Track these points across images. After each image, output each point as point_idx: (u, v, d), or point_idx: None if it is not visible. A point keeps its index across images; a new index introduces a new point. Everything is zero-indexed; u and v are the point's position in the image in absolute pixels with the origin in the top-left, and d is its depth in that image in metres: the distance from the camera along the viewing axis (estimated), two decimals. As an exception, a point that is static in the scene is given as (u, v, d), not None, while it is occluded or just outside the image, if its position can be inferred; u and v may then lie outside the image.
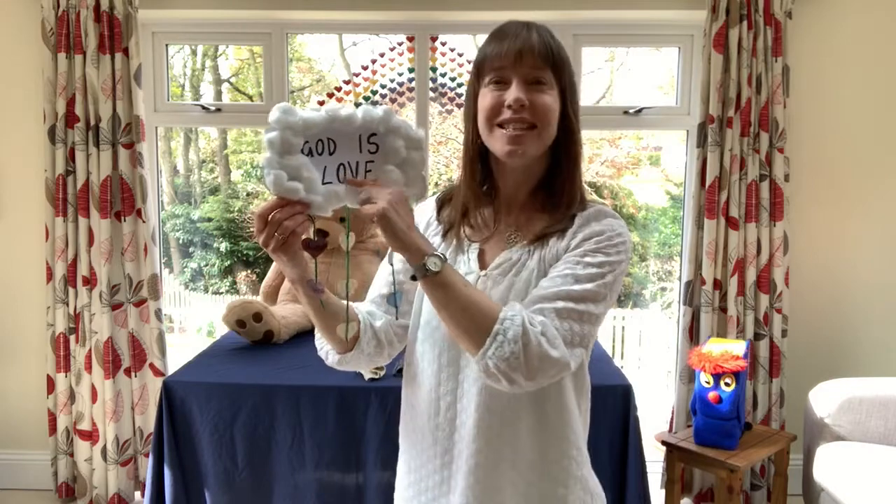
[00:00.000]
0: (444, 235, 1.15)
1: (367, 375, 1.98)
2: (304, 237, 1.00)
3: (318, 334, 1.15)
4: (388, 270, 1.19)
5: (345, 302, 1.07)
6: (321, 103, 3.10)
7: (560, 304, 0.98)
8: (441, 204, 1.20)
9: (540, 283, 1.03)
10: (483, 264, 1.11)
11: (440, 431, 1.11)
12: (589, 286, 1.00)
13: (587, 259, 1.02)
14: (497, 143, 1.05)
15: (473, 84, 1.09)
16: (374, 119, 0.98)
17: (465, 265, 1.11)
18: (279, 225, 0.94)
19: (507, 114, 1.03)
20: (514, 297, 1.04)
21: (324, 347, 1.16)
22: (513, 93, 1.02)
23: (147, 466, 2.02)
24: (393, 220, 0.94)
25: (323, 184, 0.96)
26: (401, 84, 2.95)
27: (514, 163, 1.07)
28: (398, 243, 0.95)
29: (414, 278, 0.97)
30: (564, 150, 1.09)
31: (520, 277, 1.06)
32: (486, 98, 1.05)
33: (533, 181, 1.12)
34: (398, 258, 1.13)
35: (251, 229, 8.17)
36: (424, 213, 1.21)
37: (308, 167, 0.95)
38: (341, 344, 1.12)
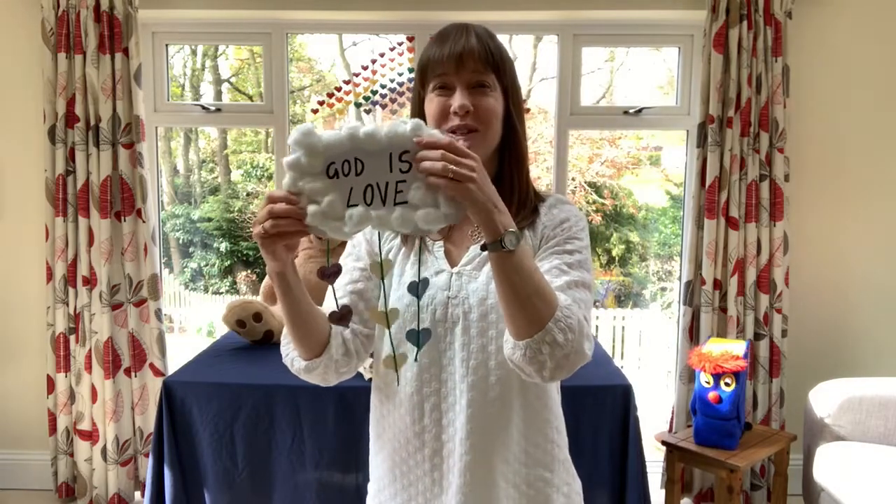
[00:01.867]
0: (405, 239, 1.14)
1: (367, 375, 1.98)
2: (320, 267, 0.97)
3: (284, 340, 1.11)
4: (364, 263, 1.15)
5: (320, 309, 1.07)
6: (321, 103, 3.11)
7: (573, 299, 0.99)
8: None
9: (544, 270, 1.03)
10: (452, 262, 1.12)
11: (427, 434, 1.10)
12: (579, 273, 1.04)
13: (567, 247, 1.06)
14: None
15: (418, 89, 1.11)
16: (403, 136, 0.88)
17: (435, 263, 1.12)
18: (275, 218, 0.90)
19: (454, 120, 1.04)
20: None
21: (289, 354, 1.11)
22: (457, 99, 1.04)
23: (147, 466, 2.02)
24: (478, 189, 0.87)
25: (348, 206, 0.90)
26: (401, 84, 2.95)
27: None
28: (481, 212, 0.88)
29: (484, 248, 0.92)
30: (509, 148, 1.11)
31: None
32: (432, 104, 1.07)
33: None
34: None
35: (251, 229, 8.20)
36: None
37: (330, 190, 0.90)
38: (308, 350, 1.08)
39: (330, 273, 0.96)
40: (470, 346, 1.07)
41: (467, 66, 1.04)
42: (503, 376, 1.07)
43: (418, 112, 1.11)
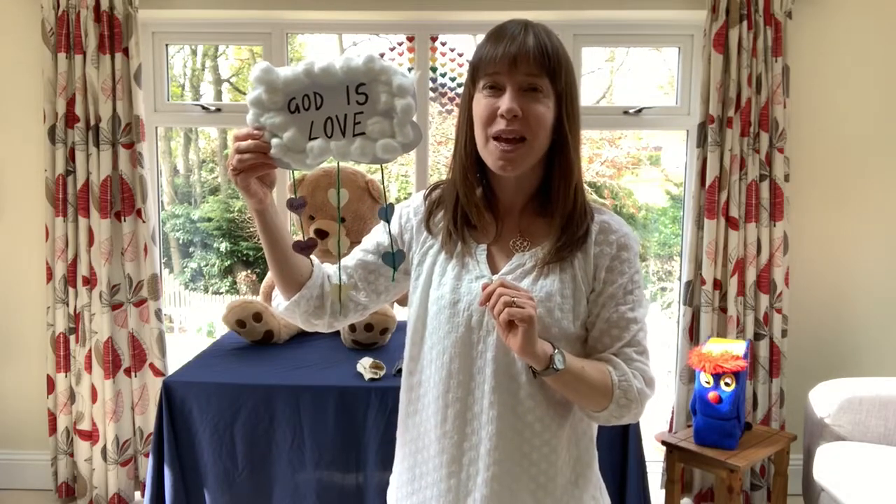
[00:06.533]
0: (446, 241, 1.12)
1: (367, 375, 1.98)
2: (295, 239, 1.02)
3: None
4: (385, 230, 1.17)
5: (305, 259, 1.12)
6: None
7: (635, 350, 1.09)
8: (431, 206, 1.17)
9: (604, 322, 1.08)
10: (494, 268, 1.10)
11: (447, 439, 1.08)
12: (640, 312, 1.11)
13: (630, 297, 1.09)
14: (490, 156, 1.04)
15: (469, 87, 1.08)
16: (357, 70, 0.93)
17: (476, 268, 1.09)
18: (241, 153, 0.95)
19: (500, 123, 1.01)
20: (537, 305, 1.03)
21: (276, 294, 1.16)
22: (506, 102, 1.00)
23: (147, 466, 2.02)
24: (534, 328, 0.95)
25: (310, 139, 0.95)
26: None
27: (506, 175, 1.06)
28: (530, 350, 0.95)
29: (535, 375, 1.01)
30: (559, 157, 1.07)
31: (538, 286, 1.05)
32: (480, 104, 1.04)
33: (530, 188, 1.11)
34: (398, 218, 1.18)
35: (251, 229, 8.20)
36: (416, 213, 1.18)
37: (291, 124, 0.95)
38: (286, 291, 1.12)
39: (303, 246, 1.01)
40: (502, 358, 1.04)
41: (520, 69, 1.00)
42: (534, 393, 1.05)
43: (467, 111, 1.08)
